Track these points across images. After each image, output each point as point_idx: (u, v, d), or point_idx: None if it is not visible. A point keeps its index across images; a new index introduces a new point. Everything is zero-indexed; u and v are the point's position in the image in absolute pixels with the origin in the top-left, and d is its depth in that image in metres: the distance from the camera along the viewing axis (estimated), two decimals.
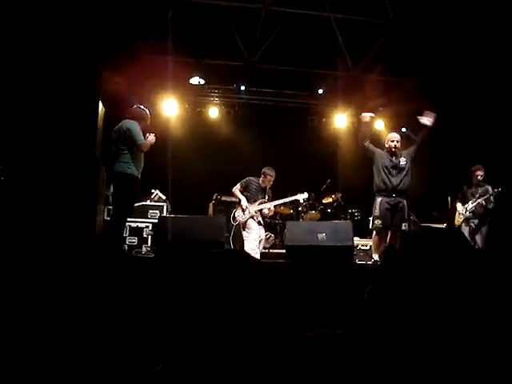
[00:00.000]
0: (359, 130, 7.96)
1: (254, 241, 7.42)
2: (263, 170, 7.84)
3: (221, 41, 9.78)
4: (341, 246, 6.03)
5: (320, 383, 2.44)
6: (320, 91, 10.73)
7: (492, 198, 8.24)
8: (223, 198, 9.50)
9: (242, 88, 10.63)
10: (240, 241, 7.53)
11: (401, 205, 7.26)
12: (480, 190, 8.40)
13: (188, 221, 6.17)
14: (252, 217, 7.58)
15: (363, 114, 7.81)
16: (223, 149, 10.48)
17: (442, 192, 9.28)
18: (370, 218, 7.49)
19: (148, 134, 6.75)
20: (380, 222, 7.26)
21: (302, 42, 9.73)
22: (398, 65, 9.79)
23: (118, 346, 4.48)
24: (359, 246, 8.55)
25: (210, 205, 9.68)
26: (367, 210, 8.24)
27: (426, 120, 7.38)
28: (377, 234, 7.39)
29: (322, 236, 6.08)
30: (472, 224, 8.34)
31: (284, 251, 6.76)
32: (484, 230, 8.22)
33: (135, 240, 8.23)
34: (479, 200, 8.25)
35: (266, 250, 8.20)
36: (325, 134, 11.17)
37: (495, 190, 8.24)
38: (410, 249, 6.20)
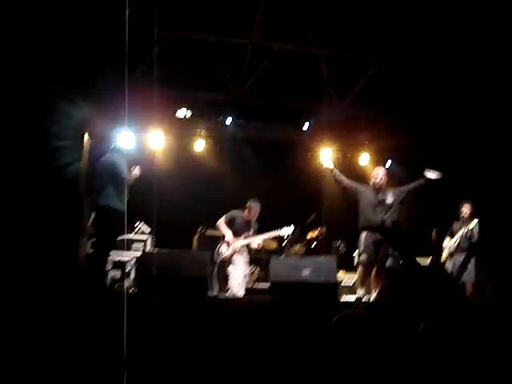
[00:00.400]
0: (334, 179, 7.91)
1: (240, 276, 7.36)
2: (248, 203, 7.81)
3: (208, 74, 9.85)
4: (325, 283, 5.99)
5: None
6: (305, 127, 10.77)
7: (474, 230, 8.22)
8: (208, 232, 9.44)
9: (229, 121, 10.65)
10: (224, 277, 7.46)
11: (385, 242, 7.19)
12: (464, 224, 8.38)
13: (171, 256, 6.12)
14: (237, 252, 7.54)
15: (324, 165, 7.87)
16: (209, 182, 10.45)
17: (429, 227, 9.26)
18: (355, 255, 7.47)
19: (133, 167, 6.74)
20: (365, 256, 7.24)
21: (289, 76, 9.82)
22: (383, 100, 9.88)
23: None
24: (344, 281, 8.50)
25: (195, 238, 9.61)
26: (352, 243, 8.20)
27: (432, 174, 7.40)
28: (363, 270, 7.36)
29: (306, 272, 6.04)
30: (458, 258, 8.30)
31: (268, 285, 6.71)
32: (470, 265, 8.17)
33: (118, 274, 8.12)
34: (463, 231, 8.22)
35: (251, 286, 8.13)
36: (310, 168, 11.19)
37: (473, 223, 8.22)
38: (394, 286, 6.22)
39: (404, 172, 10.82)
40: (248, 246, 7.74)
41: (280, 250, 9.13)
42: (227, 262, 7.48)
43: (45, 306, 5.08)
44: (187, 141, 10.83)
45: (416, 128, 10.16)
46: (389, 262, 7.27)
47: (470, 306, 6.35)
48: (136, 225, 8.81)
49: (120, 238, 7.88)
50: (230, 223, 7.74)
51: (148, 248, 8.59)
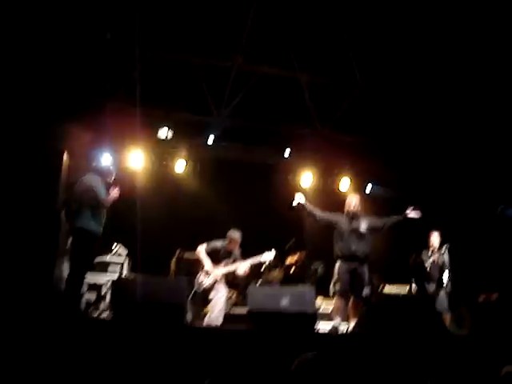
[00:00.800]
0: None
1: (221, 303, 7.32)
2: (228, 234, 7.73)
3: (190, 95, 9.82)
4: (304, 313, 5.93)
5: None
6: (286, 153, 10.75)
7: (444, 256, 8.22)
8: (186, 255, 9.32)
9: (210, 141, 10.58)
10: (200, 304, 7.38)
11: (359, 271, 7.22)
12: (434, 252, 8.38)
13: (148, 282, 6.00)
14: (218, 280, 7.49)
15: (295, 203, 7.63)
16: (189, 203, 10.36)
17: (406, 254, 9.27)
18: (331, 284, 7.41)
19: (112, 188, 6.66)
20: (339, 286, 7.20)
21: (271, 100, 9.84)
22: (365, 125, 9.95)
23: None
24: (322, 307, 8.43)
25: (173, 261, 9.49)
26: (332, 267, 8.13)
27: (414, 214, 7.43)
28: (338, 298, 7.32)
29: (284, 301, 5.98)
30: (428, 287, 8.27)
31: (246, 309, 6.63)
32: (442, 294, 8.15)
33: (93, 296, 7.99)
34: (433, 257, 8.20)
35: (228, 310, 8.04)
36: (291, 191, 11.15)
37: (444, 246, 8.23)
38: (370, 317, 6.18)
39: (386, 193, 10.94)
40: (234, 272, 7.67)
41: (258, 275, 9.03)
42: (208, 290, 7.41)
43: (18, 326, 4.97)
44: (168, 161, 10.74)
45: (394, 154, 10.25)
46: (365, 291, 7.23)
47: (451, 338, 6.38)
48: (113, 247, 8.67)
49: (96, 260, 7.78)
50: (212, 253, 7.65)
51: (125, 271, 8.47)
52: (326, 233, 7.90)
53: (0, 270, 6.67)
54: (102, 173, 6.79)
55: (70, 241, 6.95)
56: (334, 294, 7.32)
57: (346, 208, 7.49)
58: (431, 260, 8.24)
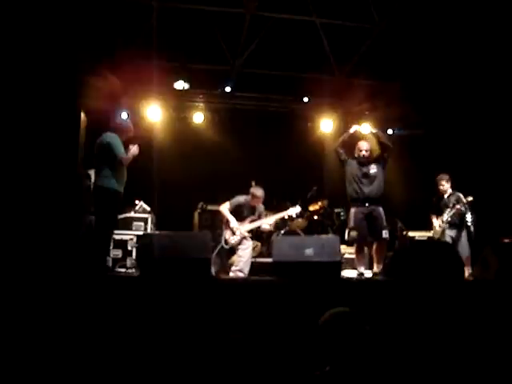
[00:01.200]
0: (343, 134, 7.85)
1: (248, 256, 7.43)
2: (251, 190, 7.74)
3: (205, 45, 9.65)
4: (328, 261, 5.91)
5: None
6: (305, 99, 10.61)
7: (466, 205, 8.14)
8: (209, 207, 9.36)
9: (227, 90, 10.45)
10: (226, 256, 7.47)
11: (375, 213, 7.17)
12: (452, 199, 8.27)
13: (172, 237, 6.02)
14: (244, 237, 7.52)
15: (353, 127, 7.78)
16: (208, 155, 10.33)
17: (427, 197, 9.19)
18: (346, 230, 7.39)
19: (131, 146, 6.62)
20: (355, 233, 7.17)
21: (288, 46, 9.62)
22: (383, 69, 9.72)
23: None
24: (345, 255, 8.44)
25: (195, 214, 9.55)
26: None
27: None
28: (357, 246, 7.33)
29: (309, 251, 5.97)
30: (450, 235, 8.22)
31: (270, 260, 6.67)
32: (464, 239, 8.12)
33: (119, 253, 8.10)
34: (456, 207, 8.11)
35: (253, 260, 8.10)
36: (310, 139, 11.05)
37: (467, 199, 8.13)
38: (396, 263, 6.15)
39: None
40: (262, 227, 7.80)
41: (282, 224, 9.04)
42: (235, 247, 7.49)
43: (46, 288, 5.04)
44: (186, 113, 10.68)
45: (416, 97, 10.04)
46: (385, 234, 7.15)
47: (474, 283, 6.36)
48: (136, 202, 8.72)
49: (120, 216, 7.83)
50: (236, 210, 7.68)
51: (149, 226, 8.54)
52: (344, 180, 7.85)
53: (25, 234, 6.71)
54: (120, 130, 6.72)
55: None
56: (351, 241, 7.31)
57: (357, 154, 7.42)
58: (451, 207, 8.16)
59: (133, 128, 6.94)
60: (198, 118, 10.67)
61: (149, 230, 8.46)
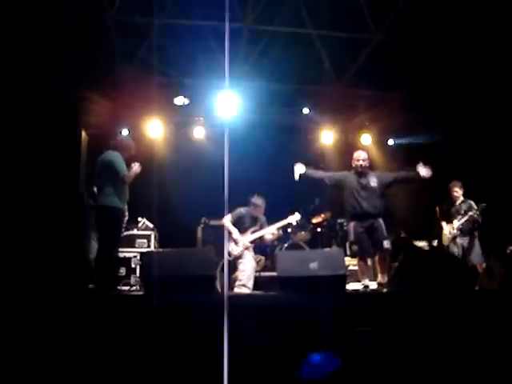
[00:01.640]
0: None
1: (250, 269, 7.43)
2: (252, 200, 7.80)
3: (204, 59, 9.67)
4: (333, 275, 5.89)
5: None
6: (305, 111, 10.62)
7: (478, 212, 8.13)
8: (211, 222, 9.35)
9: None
10: (229, 271, 7.46)
11: (376, 225, 7.02)
12: (464, 206, 8.27)
13: (175, 255, 6.02)
14: (246, 248, 7.54)
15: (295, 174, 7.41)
16: (210, 169, 10.28)
17: (431, 207, 9.16)
18: (347, 243, 7.33)
19: (133, 164, 6.62)
20: (356, 247, 7.11)
21: (286, 58, 9.65)
22: (383, 79, 9.72)
23: None
24: (350, 267, 8.39)
25: (199, 229, 9.53)
26: None
27: (425, 172, 6.98)
28: (360, 258, 7.25)
29: (314, 265, 5.94)
30: (461, 242, 8.21)
31: (275, 274, 6.65)
32: (477, 247, 8.10)
33: (123, 271, 8.08)
34: (469, 214, 8.11)
35: (258, 274, 8.08)
36: (311, 151, 11.05)
37: (481, 205, 8.12)
38: (403, 274, 6.13)
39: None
40: (265, 237, 7.83)
41: (285, 237, 9.02)
42: (238, 258, 7.51)
43: (49, 306, 5.02)
44: (186, 128, 10.70)
45: (417, 106, 10.04)
46: (386, 244, 7.06)
47: (480, 293, 6.32)
48: (139, 219, 8.71)
49: (123, 234, 7.82)
50: (238, 221, 7.72)
51: (152, 243, 8.52)
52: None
53: (29, 254, 6.69)
54: (121, 148, 6.73)
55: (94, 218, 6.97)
56: (352, 254, 7.26)
57: (354, 164, 7.27)
58: (463, 215, 8.16)
59: (134, 145, 6.95)
60: (199, 132, 10.68)
61: (152, 247, 8.45)
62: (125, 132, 9.33)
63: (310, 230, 9.63)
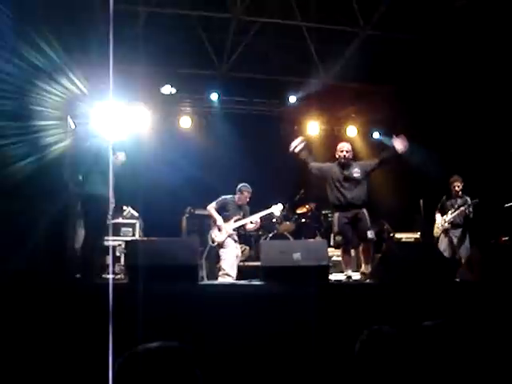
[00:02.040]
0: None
1: (232, 258, 7.48)
2: (240, 187, 7.80)
3: (191, 50, 9.68)
4: (316, 265, 5.93)
5: None
6: (291, 99, 10.66)
7: (471, 208, 8.26)
8: (197, 212, 9.39)
9: (214, 97, 10.53)
10: (214, 260, 7.51)
11: (359, 215, 7.02)
12: (459, 201, 8.42)
13: (160, 244, 6.03)
14: (229, 235, 7.59)
15: (292, 144, 7.45)
16: (196, 159, 10.33)
17: (415, 200, 9.24)
18: (331, 235, 7.36)
19: (118, 153, 6.63)
20: (340, 238, 7.12)
21: (274, 50, 9.68)
22: (369, 72, 9.77)
23: None
24: (333, 257, 8.46)
25: (183, 218, 9.56)
26: None
27: (400, 144, 6.95)
28: (344, 250, 7.28)
29: (297, 256, 5.98)
30: (451, 235, 8.35)
31: (259, 263, 6.69)
32: (466, 241, 8.24)
33: (107, 259, 8.06)
34: (461, 209, 8.25)
35: (242, 263, 8.14)
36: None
37: (473, 201, 8.26)
38: (384, 266, 6.20)
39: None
40: (246, 226, 7.85)
41: (270, 228, 9.08)
42: (220, 246, 7.55)
43: (36, 294, 5.03)
44: (173, 118, 10.71)
45: (403, 98, 10.10)
46: (370, 234, 7.09)
47: (460, 284, 6.41)
48: (124, 208, 8.71)
49: (108, 222, 7.81)
50: (222, 208, 7.76)
51: (137, 232, 8.53)
52: None
53: (13, 244, 6.66)
54: (106, 135, 6.71)
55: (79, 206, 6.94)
56: (336, 245, 7.27)
57: (337, 155, 7.25)
58: (456, 209, 8.30)
59: (120, 133, 6.95)
60: (185, 122, 10.69)
61: (137, 236, 8.44)
62: (111, 120, 9.26)
63: (295, 221, 9.69)
